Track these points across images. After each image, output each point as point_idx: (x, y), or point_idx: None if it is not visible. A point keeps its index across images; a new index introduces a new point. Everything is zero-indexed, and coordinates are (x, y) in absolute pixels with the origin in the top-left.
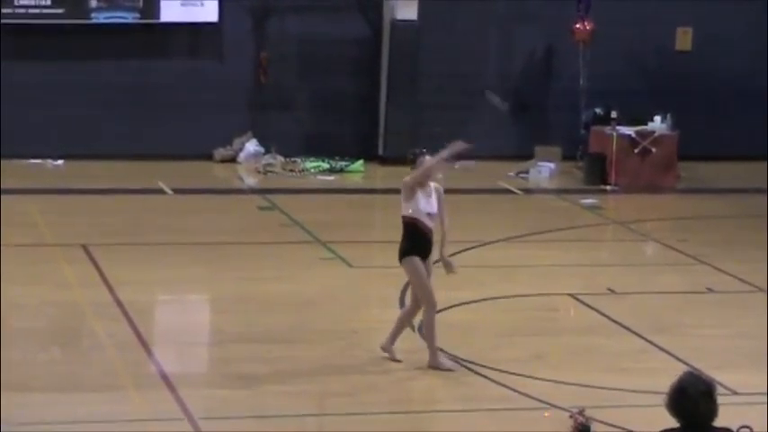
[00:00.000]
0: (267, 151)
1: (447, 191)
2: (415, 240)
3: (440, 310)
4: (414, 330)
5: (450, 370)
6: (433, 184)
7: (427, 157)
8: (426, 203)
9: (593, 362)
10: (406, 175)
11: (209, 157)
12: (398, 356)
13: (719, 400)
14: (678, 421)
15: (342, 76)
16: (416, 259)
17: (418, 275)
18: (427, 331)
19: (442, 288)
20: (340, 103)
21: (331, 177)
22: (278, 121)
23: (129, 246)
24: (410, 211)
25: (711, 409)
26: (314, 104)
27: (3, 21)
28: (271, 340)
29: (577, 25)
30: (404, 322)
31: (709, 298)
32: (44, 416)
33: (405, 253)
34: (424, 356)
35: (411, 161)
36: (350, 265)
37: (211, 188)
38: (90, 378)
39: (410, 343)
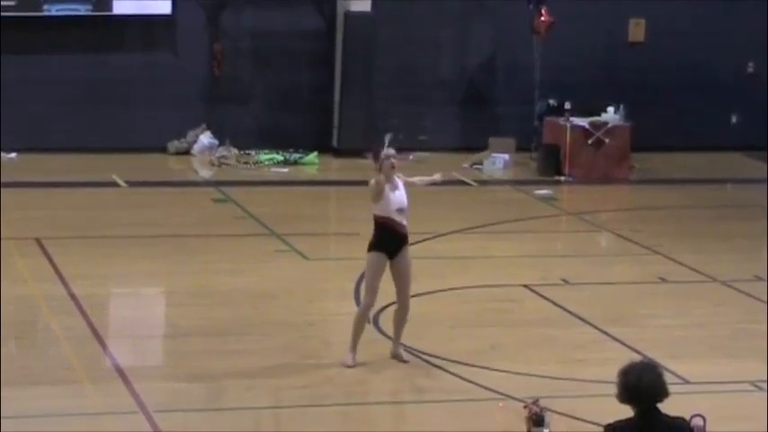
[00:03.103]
0: (221, 144)
1: None
2: (383, 237)
3: (394, 302)
4: (369, 322)
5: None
6: (399, 177)
7: (388, 151)
8: (396, 199)
9: (547, 352)
10: (365, 170)
11: (163, 149)
12: (405, 358)
13: (672, 389)
14: (628, 405)
15: (296, 69)
16: (375, 255)
17: (370, 272)
18: (355, 324)
19: None
20: (294, 95)
21: (285, 170)
22: (232, 114)
23: (84, 239)
24: (379, 211)
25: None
26: (268, 97)
27: None
28: (226, 333)
29: (542, 18)
30: (399, 323)
31: (662, 288)
32: None
33: (370, 247)
34: (379, 349)
35: (374, 157)
36: (305, 258)
37: (165, 181)
38: (45, 372)
39: (366, 335)
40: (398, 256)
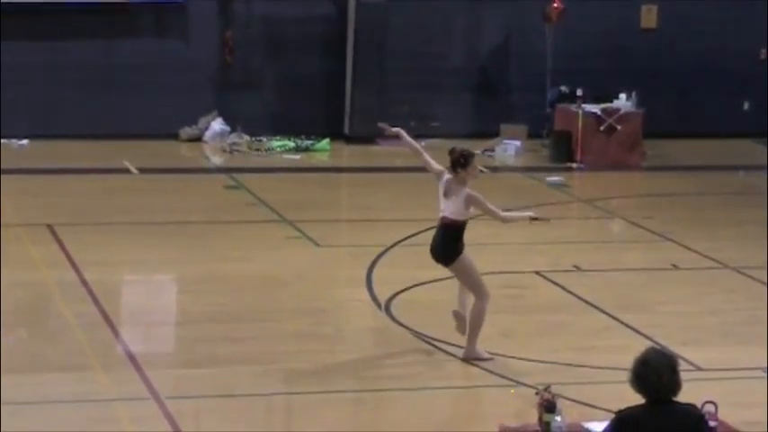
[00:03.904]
0: (233, 130)
1: (413, 169)
2: (462, 238)
3: (405, 289)
4: (380, 309)
5: (488, 359)
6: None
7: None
8: None
9: (559, 339)
10: (376, 157)
11: (174, 136)
12: (486, 355)
13: (684, 376)
14: (642, 396)
15: (308, 56)
16: (468, 256)
17: (475, 270)
18: (476, 322)
19: (409, 267)
20: (306, 82)
21: (297, 156)
22: (244, 101)
23: (95, 226)
24: (462, 216)
25: (675, 382)
26: (280, 83)
27: None
28: (237, 320)
29: (554, 5)
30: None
31: (674, 275)
32: (10, 396)
33: (457, 253)
34: (391, 335)
35: (462, 164)
36: (317, 244)
37: (177, 167)
38: (57, 358)
39: (378, 322)
40: None
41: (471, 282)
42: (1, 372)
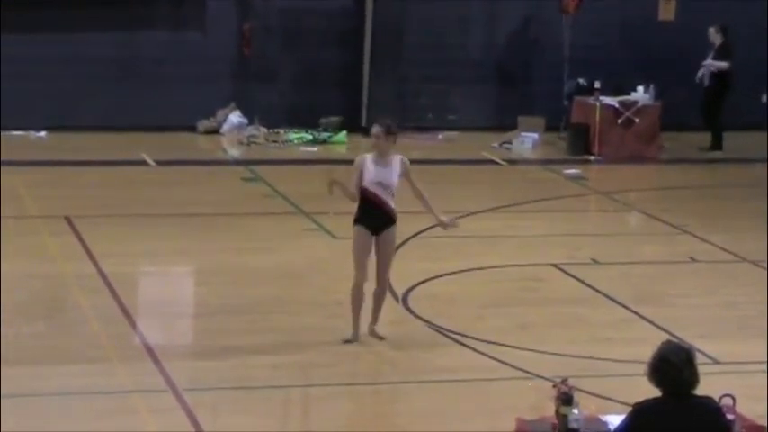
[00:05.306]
0: (250, 123)
1: (431, 162)
2: (363, 209)
3: (423, 281)
4: (398, 302)
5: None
6: (398, 156)
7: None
8: (379, 173)
9: (576, 332)
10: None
11: (192, 128)
12: (381, 334)
13: (701, 368)
14: (660, 390)
15: (325, 48)
16: (359, 229)
17: (354, 246)
18: (353, 302)
19: (426, 259)
20: (323, 74)
21: (314, 148)
22: (261, 93)
23: (113, 217)
24: (362, 182)
25: (694, 376)
26: (297, 76)
27: None
28: (254, 311)
29: None
30: (376, 300)
31: (691, 267)
32: (28, 388)
33: (354, 221)
34: (408, 328)
35: (392, 133)
36: (334, 237)
37: (195, 160)
38: (74, 350)
39: (394, 314)
40: (383, 234)
41: (352, 254)
42: (18, 363)
